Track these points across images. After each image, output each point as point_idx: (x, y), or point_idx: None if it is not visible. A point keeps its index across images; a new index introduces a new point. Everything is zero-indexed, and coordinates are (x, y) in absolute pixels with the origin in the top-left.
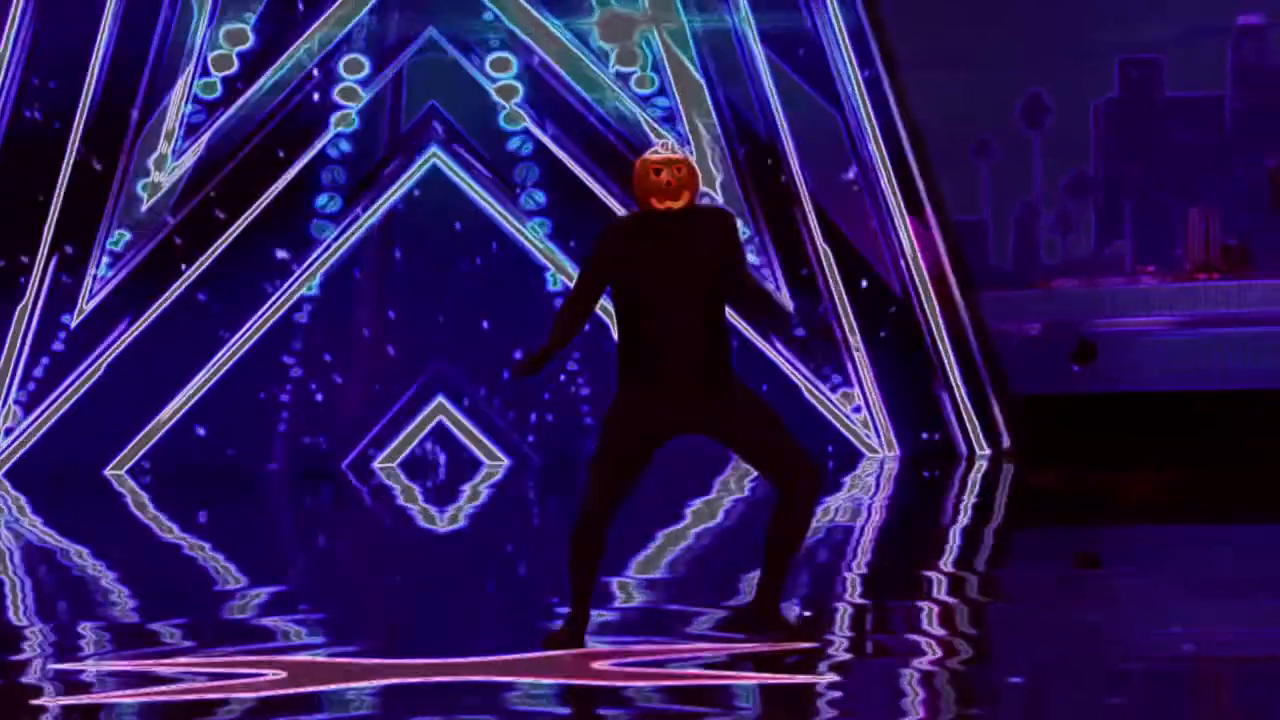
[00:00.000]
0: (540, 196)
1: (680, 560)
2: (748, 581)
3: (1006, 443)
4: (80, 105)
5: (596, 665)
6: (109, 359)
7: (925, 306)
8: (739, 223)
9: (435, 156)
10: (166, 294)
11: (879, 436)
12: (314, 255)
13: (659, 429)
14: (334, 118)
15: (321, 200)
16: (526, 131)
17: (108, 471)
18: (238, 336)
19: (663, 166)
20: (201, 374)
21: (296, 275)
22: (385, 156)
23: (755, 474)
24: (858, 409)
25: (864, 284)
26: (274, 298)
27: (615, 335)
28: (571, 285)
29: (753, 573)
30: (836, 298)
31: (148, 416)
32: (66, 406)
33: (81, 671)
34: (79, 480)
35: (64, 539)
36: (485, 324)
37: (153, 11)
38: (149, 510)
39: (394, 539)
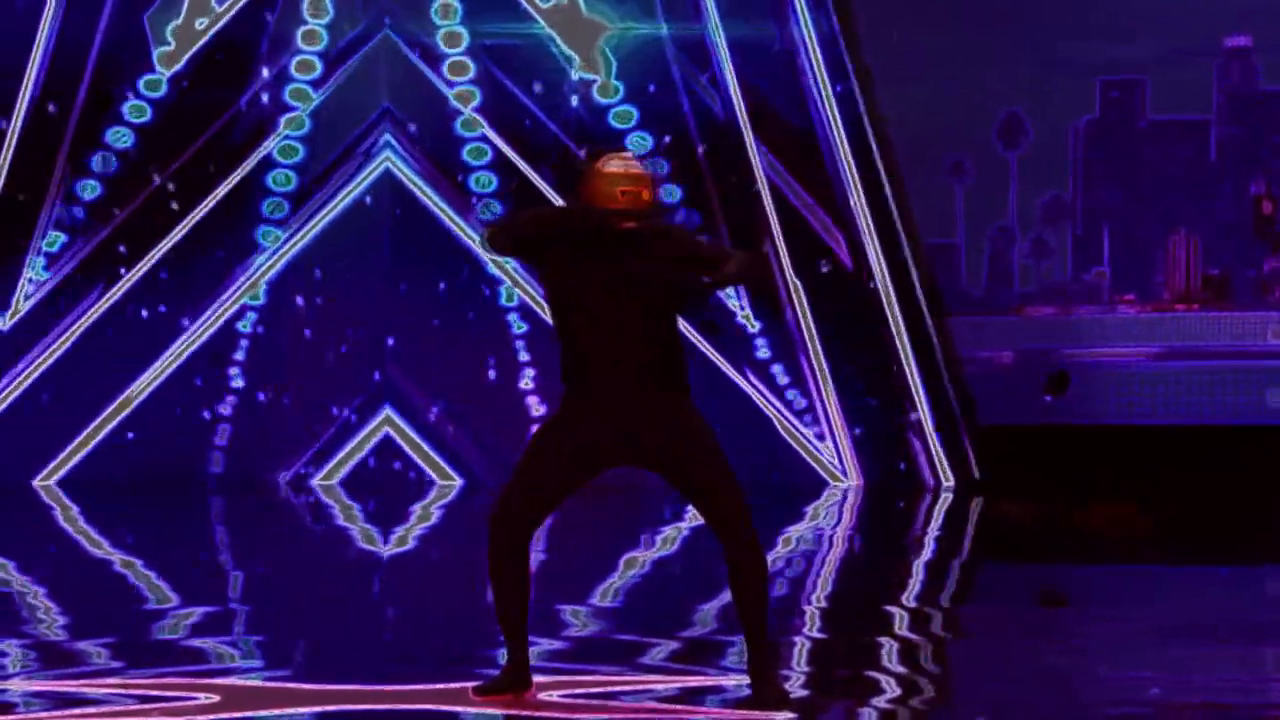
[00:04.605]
0: (496, 206)
1: (626, 589)
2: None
3: (975, 475)
4: (19, 102)
5: (543, 696)
6: (42, 366)
7: (894, 330)
8: (682, 230)
9: (388, 160)
10: (103, 299)
11: (842, 465)
12: (258, 262)
13: (592, 453)
14: (283, 119)
15: (268, 205)
16: (484, 138)
17: (36, 483)
18: (179, 342)
19: (626, 185)
20: (140, 381)
21: (240, 282)
22: (334, 161)
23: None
24: (820, 436)
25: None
26: (216, 303)
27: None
28: (509, 216)
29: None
30: (802, 318)
31: (80, 426)
32: None
33: (4, 691)
34: (6, 492)
35: None
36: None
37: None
38: (78, 524)
39: (336, 560)
